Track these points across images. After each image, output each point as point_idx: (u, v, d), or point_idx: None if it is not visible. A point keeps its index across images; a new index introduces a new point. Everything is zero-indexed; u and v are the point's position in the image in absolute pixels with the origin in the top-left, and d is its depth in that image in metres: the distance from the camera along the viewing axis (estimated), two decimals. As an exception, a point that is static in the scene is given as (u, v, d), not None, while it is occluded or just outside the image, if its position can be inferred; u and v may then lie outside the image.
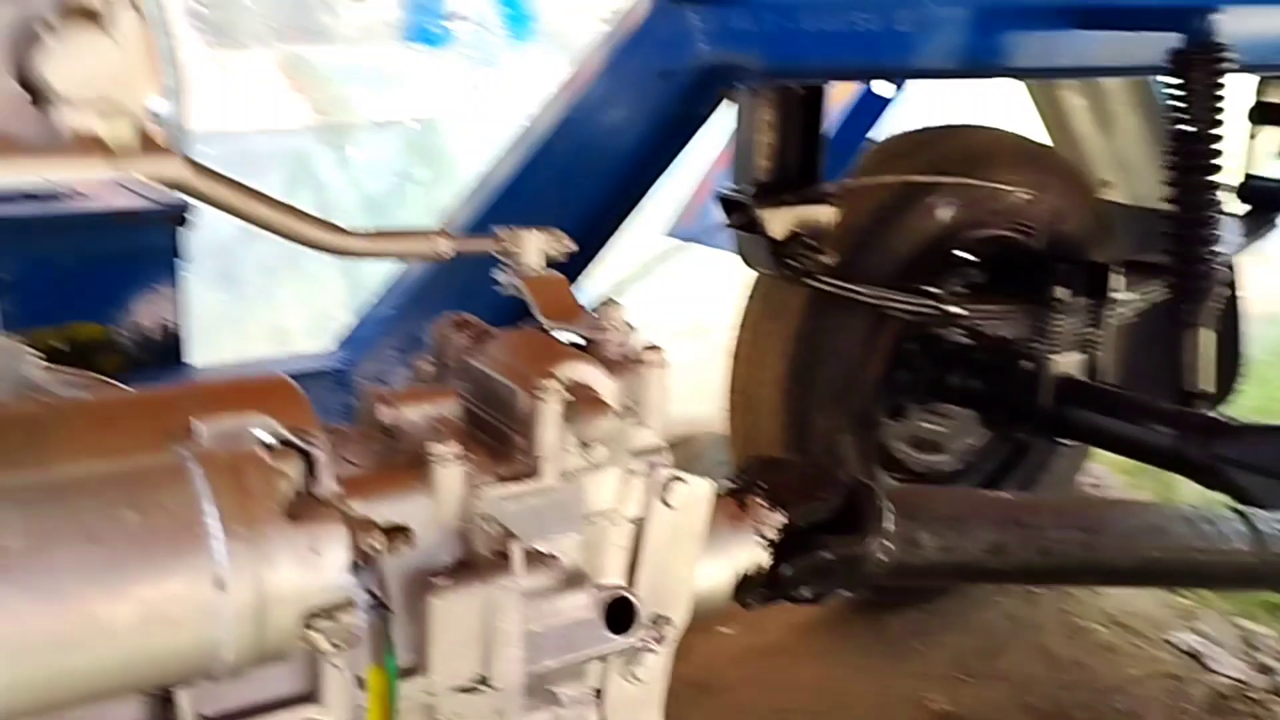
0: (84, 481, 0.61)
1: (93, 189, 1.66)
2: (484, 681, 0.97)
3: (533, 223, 1.95)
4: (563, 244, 1.20)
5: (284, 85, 3.36)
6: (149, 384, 1.19)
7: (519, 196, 1.94)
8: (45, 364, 1.08)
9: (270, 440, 0.66)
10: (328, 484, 0.67)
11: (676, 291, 3.40)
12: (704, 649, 2.59)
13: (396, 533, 0.71)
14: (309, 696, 0.88)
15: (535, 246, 1.19)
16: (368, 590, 0.65)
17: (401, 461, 0.98)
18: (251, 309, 3.34)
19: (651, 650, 1.11)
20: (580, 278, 1.96)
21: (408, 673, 0.95)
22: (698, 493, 1.12)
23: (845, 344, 2.43)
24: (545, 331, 1.13)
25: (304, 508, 0.65)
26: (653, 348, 1.10)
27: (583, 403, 1.02)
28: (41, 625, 0.59)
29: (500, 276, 1.19)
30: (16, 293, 1.64)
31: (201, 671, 0.64)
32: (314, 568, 0.64)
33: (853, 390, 2.46)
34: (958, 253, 2.44)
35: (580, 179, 1.96)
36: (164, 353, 1.77)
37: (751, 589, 1.23)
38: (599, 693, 1.11)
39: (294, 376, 1.82)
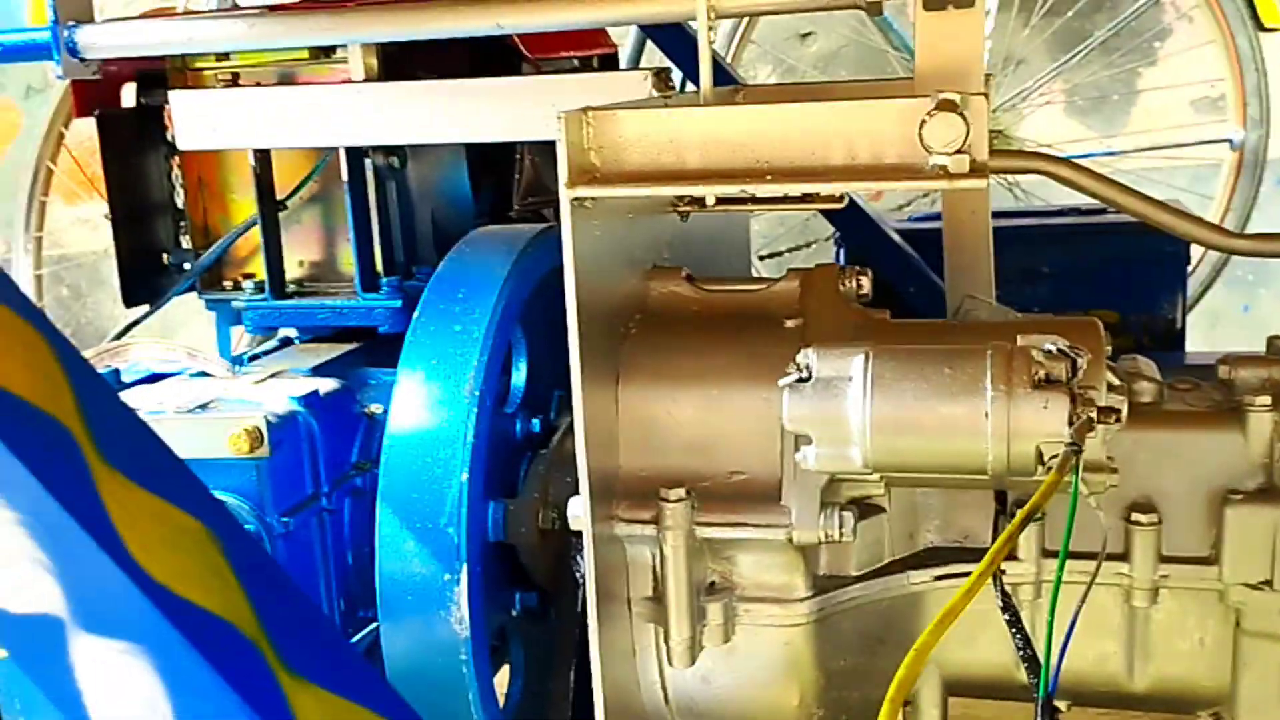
0: (930, 352, 1.11)
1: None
2: (1268, 584, 1.22)
3: None
4: None
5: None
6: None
7: None
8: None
9: (1050, 349, 1.08)
10: (1081, 379, 1.06)
11: None
12: None
13: (1107, 411, 1.05)
14: (1121, 556, 1.26)
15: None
16: (1073, 440, 1.01)
17: (1228, 407, 1.28)
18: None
19: None
20: None
21: (1203, 561, 1.25)
22: None
23: None
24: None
25: (1049, 386, 1.05)
26: None
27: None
28: (895, 420, 1.10)
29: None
30: (1053, 282, 2.17)
31: (977, 470, 1.08)
32: (1042, 419, 1.04)
33: None
34: None
35: None
36: (1164, 340, 2.15)
37: None
38: None
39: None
